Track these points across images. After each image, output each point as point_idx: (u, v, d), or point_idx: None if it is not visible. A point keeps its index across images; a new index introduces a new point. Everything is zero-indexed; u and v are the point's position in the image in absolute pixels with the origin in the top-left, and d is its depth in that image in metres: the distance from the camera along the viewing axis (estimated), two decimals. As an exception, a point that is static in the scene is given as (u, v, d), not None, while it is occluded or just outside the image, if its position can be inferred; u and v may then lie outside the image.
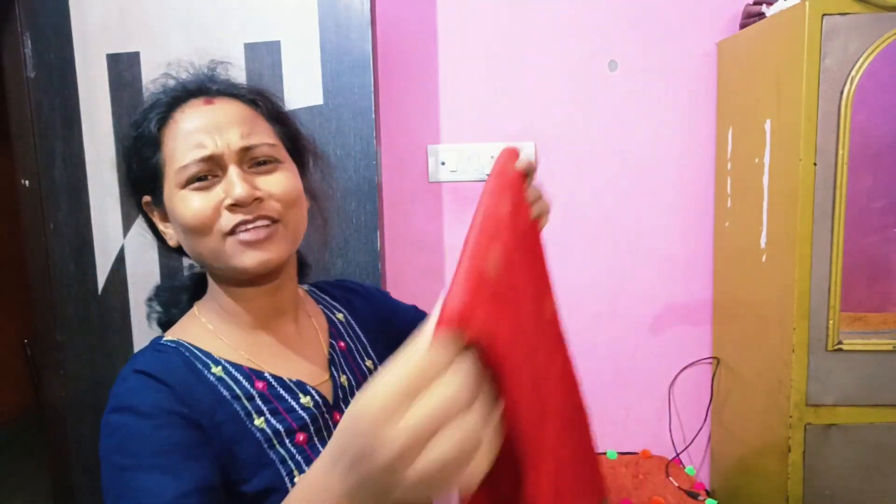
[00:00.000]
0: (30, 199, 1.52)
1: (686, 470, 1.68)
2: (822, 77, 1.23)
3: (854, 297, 1.35)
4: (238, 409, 0.71)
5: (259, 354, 0.78)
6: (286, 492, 0.54)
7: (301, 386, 0.77)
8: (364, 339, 0.90)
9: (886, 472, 1.31)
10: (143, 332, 1.49)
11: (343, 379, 0.82)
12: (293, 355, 0.80)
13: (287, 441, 0.73)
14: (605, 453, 1.72)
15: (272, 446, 0.71)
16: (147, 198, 0.79)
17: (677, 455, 1.73)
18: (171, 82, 0.79)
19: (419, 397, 0.38)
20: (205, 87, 0.77)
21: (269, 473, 0.70)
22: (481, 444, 0.39)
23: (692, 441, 1.75)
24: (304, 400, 0.76)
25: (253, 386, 0.74)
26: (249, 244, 0.70)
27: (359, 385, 0.84)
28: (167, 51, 1.41)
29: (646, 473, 1.62)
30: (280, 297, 0.80)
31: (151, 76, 1.45)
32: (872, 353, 1.27)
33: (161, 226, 0.79)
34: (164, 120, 0.74)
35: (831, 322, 1.27)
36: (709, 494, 1.58)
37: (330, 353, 0.84)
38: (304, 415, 0.75)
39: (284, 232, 0.74)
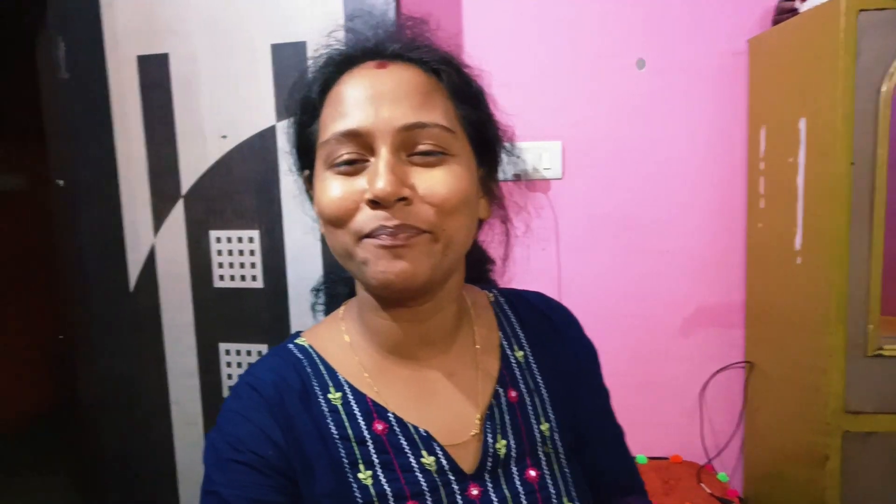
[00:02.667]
0: (63, 199, 1.55)
1: (718, 476, 1.64)
2: (859, 74, 1.20)
3: (894, 300, 1.31)
4: (342, 453, 0.60)
5: (389, 386, 0.64)
6: None
7: (427, 441, 0.61)
8: (545, 393, 0.69)
9: (929, 482, 1.26)
10: (173, 328, 1.50)
11: (501, 444, 0.63)
12: (433, 398, 0.64)
13: None
14: (634, 458, 1.69)
15: None
16: (307, 172, 0.66)
17: (709, 461, 1.69)
18: (348, 40, 0.65)
19: None
20: (382, 47, 0.62)
21: None
22: None
23: (724, 447, 1.71)
24: (427, 460, 0.60)
25: (370, 427, 0.61)
26: (384, 251, 0.55)
27: (522, 455, 0.64)
28: (194, 52, 1.43)
29: (676, 479, 1.58)
30: (432, 323, 0.64)
31: (180, 77, 1.47)
32: (914, 359, 1.23)
33: (316, 208, 0.64)
34: (328, 83, 0.62)
35: (871, 326, 1.23)
36: (742, 502, 1.54)
37: (491, 406, 0.65)
38: (421, 479, 0.60)
39: (432, 246, 0.57)
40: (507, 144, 0.70)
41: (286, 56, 1.41)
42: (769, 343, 1.55)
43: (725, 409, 1.72)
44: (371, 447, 0.60)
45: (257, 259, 1.45)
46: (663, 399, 1.73)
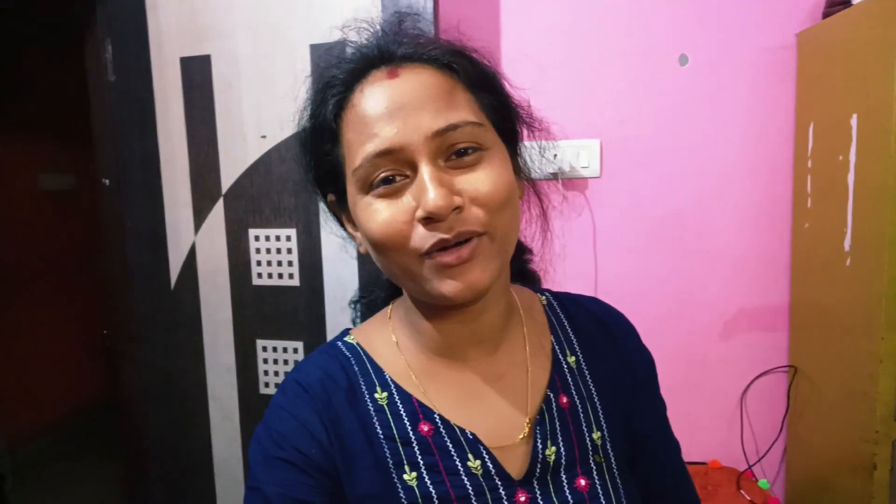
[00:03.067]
0: (109, 198, 1.60)
1: (759, 483, 1.60)
2: (915, 68, 1.15)
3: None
4: (387, 453, 0.59)
5: (436, 388, 0.63)
6: None
7: (474, 444, 0.60)
8: (597, 401, 0.67)
9: None
10: (212, 324, 1.53)
11: (551, 451, 0.62)
12: (481, 400, 0.63)
13: None
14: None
15: None
16: (332, 196, 0.65)
17: (749, 467, 1.65)
18: (349, 54, 0.61)
19: None
20: (388, 53, 0.59)
21: None
22: None
23: (766, 453, 1.67)
24: (473, 464, 0.59)
25: (416, 428, 0.60)
26: (450, 269, 0.54)
27: (572, 463, 0.63)
28: (235, 54, 1.45)
29: (715, 485, 1.55)
30: (481, 322, 0.64)
31: (221, 78, 1.50)
32: (971, 366, 1.17)
33: (349, 228, 0.65)
34: (341, 104, 0.59)
35: (924, 331, 1.18)
36: (783, 510, 1.50)
37: (541, 410, 0.64)
38: (467, 483, 0.58)
39: (491, 246, 0.56)
40: (525, 118, 0.67)
41: (324, 56, 1.42)
42: (815, 347, 1.50)
43: (767, 414, 1.67)
44: (416, 448, 0.60)
45: (294, 257, 1.47)
46: (703, 403, 1.69)
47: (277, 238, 1.47)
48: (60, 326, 3.78)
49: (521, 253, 0.78)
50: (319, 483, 0.58)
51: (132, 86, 1.53)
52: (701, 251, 1.65)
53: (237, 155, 1.48)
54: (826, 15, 1.46)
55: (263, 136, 1.46)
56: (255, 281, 1.50)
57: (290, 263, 1.47)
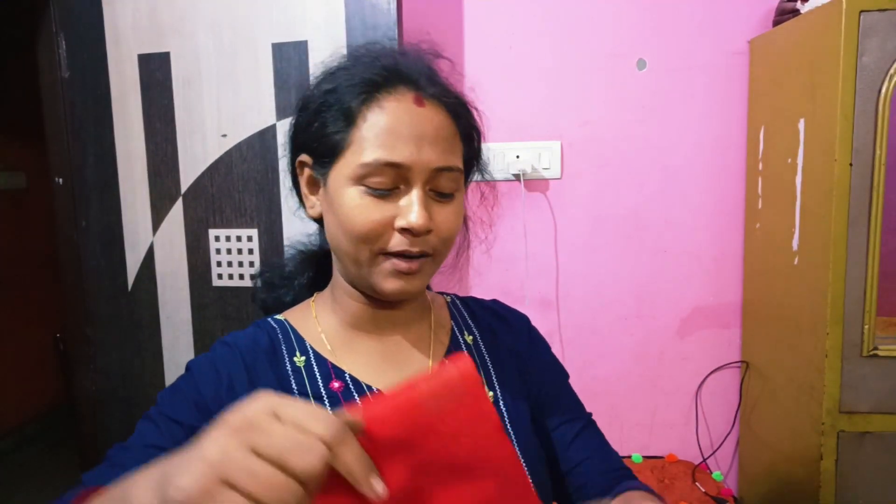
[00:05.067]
0: (63, 197, 1.56)
1: (713, 476, 1.65)
2: (859, 75, 1.20)
3: (890, 301, 1.31)
4: None
5: (350, 354, 0.73)
6: None
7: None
8: (491, 369, 0.79)
9: (923, 483, 1.27)
10: (171, 326, 1.51)
11: None
12: (387, 364, 0.74)
13: None
14: (630, 457, 1.70)
15: None
16: (305, 157, 0.72)
17: (704, 460, 1.70)
18: (387, 60, 0.68)
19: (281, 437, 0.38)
20: (419, 83, 0.67)
21: None
22: None
23: (720, 446, 1.72)
24: None
25: (328, 385, 0.70)
26: (399, 273, 0.66)
27: None
28: (196, 51, 1.43)
29: (671, 478, 1.59)
30: (399, 310, 0.75)
31: (181, 76, 1.48)
32: (909, 360, 1.24)
33: (306, 190, 0.74)
34: (368, 99, 0.66)
35: (866, 327, 1.23)
36: (736, 501, 1.55)
37: None
38: None
39: (432, 265, 0.70)
40: (482, 166, 0.79)
41: (287, 55, 1.42)
42: (766, 343, 1.55)
43: (721, 408, 1.72)
44: (326, 402, 0.69)
45: (255, 258, 1.45)
46: (660, 398, 1.74)
47: (238, 238, 1.46)
48: (15, 329, 3.65)
49: None
50: (204, 420, 0.64)
51: (87, 82, 1.49)
52: (658, 251, 1.70)
53: (197, 154, 1.46)
54: (777, 23, 1.51)
55: (224, 135, 1.44)
56: (216, 282, 1.48)
57: (251, 264, 1.46)
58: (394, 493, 0.43)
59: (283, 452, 0.38)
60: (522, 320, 0.87)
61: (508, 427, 0.74)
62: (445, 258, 0.73)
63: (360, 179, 0.64)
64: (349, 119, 0.66)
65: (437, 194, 0.67)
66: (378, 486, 0.42)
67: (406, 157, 0.63)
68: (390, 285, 0.67)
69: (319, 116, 0.68)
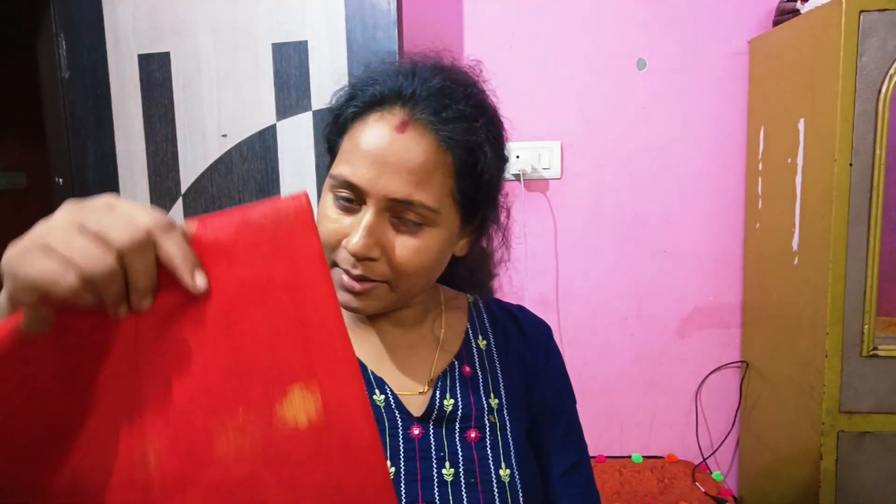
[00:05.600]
0: (63, 197, 1.55)
1: (713, 476, 1.65)
2: (859, 75, 1.20)
3: (890, 301, 1.31)
4: None
5: (354, 342, 0.72)
6: None
7: (381, 383, 0.70)
8: (500, 376, 0.76)
9: (923, 483, 1.27)
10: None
11: (449, 402, 0.71)
12: (391, 358, 0.73)
13: None
14: (630, 457, 1.70)
15: None
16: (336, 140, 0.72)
17: (704, 460, 1.70)
18: (397, 79, 0.66)
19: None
20: (416, 107, 0.64)
21: None
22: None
23: (719, 446, 1.72)
24: (378, 397, 0.69)
25: None
26: (345, 288, 0.64)
27: (467, 417, 0.71)
28: (196, 51, 1.43)
29: (671, 478, 1.59)
30: (399, 315, 0.73)
31: (181, 76, 1.48)
32: (909, 360, 1.24)
33: None
34: (360, 113, 0.66)
35: (866, 327, 1.23)
36: (736, 501, 1.55)
37: (445, 373, 0.73)
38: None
39: (389, 293, 0.66)
40: (498, 222, 0.78)
41: (287, 55, 1.42)
42: (765, 343, 1.56)
43: (721, 408, 1.72)
44: None
45: (256, 257, 1.45)
46: (660, 398, 1.74)
47: (239, 238, 1.46)
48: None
49: (477, 274, 0.85)
50: None
51: (87, 82, 1.49)
52: (658, 251, 1.70)
53: (197, 154, 1.46)
54: (777, 23, 1.52)
55: (224, 135, 1.44)
56: (216, 281, 1.48)
57: (251, 264, 1.45)
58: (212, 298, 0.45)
59: (103, 228, 0.40)
60: (542, 329, 0.83)
61: (508, 437, 0.72)
62: (416, 288, 0.68)
63: (332, 188, 0.65)
64: (341, 128, 0.68)
65: (403, 222, 0.63)
66: (199, 280, 0.43)
67: (362, 180, 0.61)
68: (340, 297, 0.65)
69: (332, 118, 0.71)
